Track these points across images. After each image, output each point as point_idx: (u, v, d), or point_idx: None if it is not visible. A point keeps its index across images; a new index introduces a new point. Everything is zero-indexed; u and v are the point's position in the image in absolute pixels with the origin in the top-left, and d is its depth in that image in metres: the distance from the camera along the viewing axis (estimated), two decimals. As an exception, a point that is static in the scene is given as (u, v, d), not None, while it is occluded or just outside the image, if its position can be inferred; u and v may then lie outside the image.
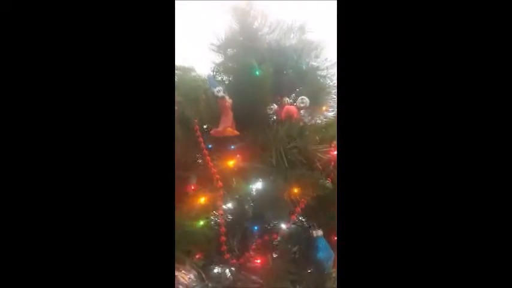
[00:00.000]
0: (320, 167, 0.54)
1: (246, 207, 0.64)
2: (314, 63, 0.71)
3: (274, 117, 0.66)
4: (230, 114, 0.58)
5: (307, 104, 0.62)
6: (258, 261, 0.56)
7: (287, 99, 0.63)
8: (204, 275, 0.53)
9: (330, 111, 0.72)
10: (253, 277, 0.54)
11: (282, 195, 0.55)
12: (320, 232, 0.56)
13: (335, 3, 0.34)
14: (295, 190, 0.55)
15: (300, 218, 0.62)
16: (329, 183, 0.56)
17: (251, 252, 0.55)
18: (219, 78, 0.71)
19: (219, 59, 0.72)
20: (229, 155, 0.60)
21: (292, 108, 0.62)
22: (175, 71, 0.71)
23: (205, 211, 0.54)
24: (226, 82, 0.69)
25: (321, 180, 0.55)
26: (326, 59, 0.70)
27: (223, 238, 0.52)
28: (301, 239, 0.60)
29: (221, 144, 0.61)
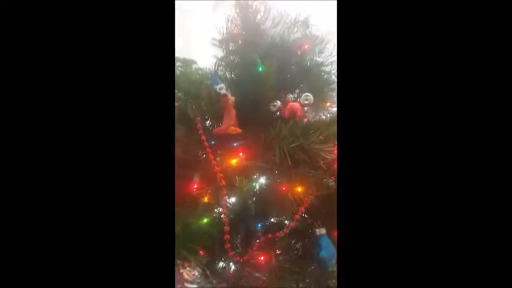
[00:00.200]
0: (324, 166, 0.53)
1: (249, 202, 0.64)
2: (318, 59, 0.69)
3: (278, 113, 0.65)
4: (233, 112, 0.58)
5: (312, 101, 0.61)
6: (262, 258, 0.56)
7: (291, 95, 0.62)
8: (208, 272, 0.54)
9: (334, 107, 0.71)
10: (257, 274, 0.55)
11: (285, 194, 0.55)
12: (323, 230, 0.56)
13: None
14: (299, 189, 0.55)
15: (304, 215, 0.62)
16: (333, 182, 0.55)
17: (254, 250, 0.56)
18: (221, 73, 0.70)
19: (220, 53, 0.71)
20: (231, 152, 0.59)
21: (296, 105, 0.61)
22: (176, 63, 0.70)
23: (209, 209, 0.55)
24: (229, 77, 0.68)
25: (325, 180, 0.55)
26: (330, 54, 0.69)
27: (227, 236, 0.53)
28: (304, 236, 0.61)
29: (223, 140, 0.61)
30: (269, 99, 0.62)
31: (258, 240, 0.57)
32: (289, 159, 0.54)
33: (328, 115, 0.71)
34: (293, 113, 0.60)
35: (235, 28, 0.69)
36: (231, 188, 0.55)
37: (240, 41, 0.69)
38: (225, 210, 0.54)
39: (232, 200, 0.61)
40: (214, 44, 0.70)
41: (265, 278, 0.54)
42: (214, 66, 0.69)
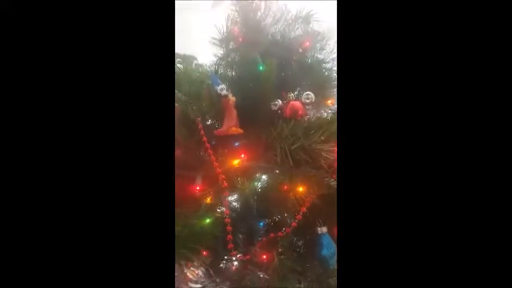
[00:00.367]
0: (325, 165, 0.53)
1: (251, 200, 0.64)
2: (319, 56, 0.69)
3: (279, 111, 0.65)
4: (234, 113, 0.57)
5: (313, 100, 0.61)
6: (264, 256, 0.57)
7: (291, 94, 0.62)
8: (211, 271, 0.55)
9: (335, 104, 0.70)
10: (259, 273, 0.56)
11: (287, 193, 0.55)
12: (325, 229, 0.57)
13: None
14: (300, 189, 0.55)
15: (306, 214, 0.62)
16: (334, 182, 0.56)
17: (257, 248, 0.57)
18: (222, 72, 0.69)
19: (220, 52, 0.70)
20: (233, 152, 0.60)
21: (297, 104, 0.60)
22: (176, 59, 0.70)
23: (212, 210, 0.55)
24: (229, 76, 0.68)
25: (326, 179, 0.55)
26: (332, 51, 0.68)
27: (229, 236, 0.53)
28: (306, 234, 0.61)
29: (225, 140, 0.61)
30: (270, 98, 0.62)
31: (260, 239, 0.58)
32: (290, 160, 0.54)
33: (330, 112, 0.71)
34: (294, 112, 0.60)
35: (235, 26, 0.68)
36: (233, 190, 0.55)
37: (240, 39, 0.68)
38: (228, 211, 0.54)
39: (235, 200, 0.61)
40: (214, 43, 0.69)
41: (268, 277, 0.55)
42: (215, 66, 0.69)
